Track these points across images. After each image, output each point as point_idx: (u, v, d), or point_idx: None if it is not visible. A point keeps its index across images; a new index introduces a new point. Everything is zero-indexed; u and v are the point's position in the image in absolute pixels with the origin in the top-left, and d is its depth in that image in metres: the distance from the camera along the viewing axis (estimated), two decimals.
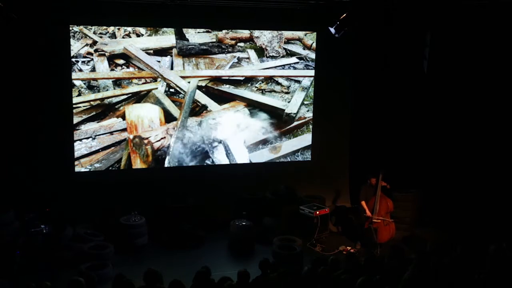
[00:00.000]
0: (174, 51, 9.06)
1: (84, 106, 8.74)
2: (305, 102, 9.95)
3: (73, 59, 8.54)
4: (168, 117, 9.18)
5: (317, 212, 8.72)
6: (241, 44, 9.41)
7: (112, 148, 8.96)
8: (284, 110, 9.85)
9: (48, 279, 5.46)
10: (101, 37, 8.65)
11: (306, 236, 8.70)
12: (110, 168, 8.96)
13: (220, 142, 9.58)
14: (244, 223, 8.60)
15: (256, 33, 9.44)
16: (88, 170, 8.86)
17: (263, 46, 9.54)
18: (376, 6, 8.13)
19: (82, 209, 8.54)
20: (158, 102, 9.09)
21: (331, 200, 10.06)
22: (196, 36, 9.17)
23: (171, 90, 9.14)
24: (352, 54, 9.94)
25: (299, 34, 9.72)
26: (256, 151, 9.81)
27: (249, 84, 9.59)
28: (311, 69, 9.86)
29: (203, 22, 9.03)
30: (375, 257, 6.07)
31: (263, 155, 9.86)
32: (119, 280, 5.26)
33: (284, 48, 9.68)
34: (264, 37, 9.52)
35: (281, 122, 9.88)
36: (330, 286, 5.15)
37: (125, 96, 8.93)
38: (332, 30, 7.67)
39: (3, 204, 7.84)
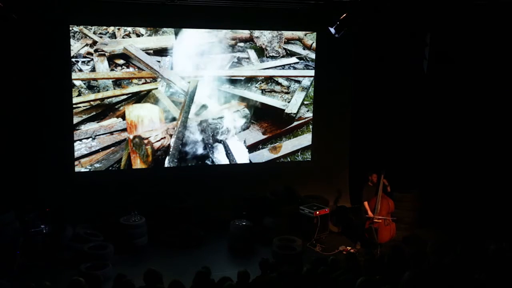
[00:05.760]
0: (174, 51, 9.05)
1: (84, 106, 8.74)
2: (305, 102, 9.95)
3: (73, 59, 8.55)
4: (168, 117, 9.18)
5: (317, 212, 8.73)
6: (241, 44, 9.41)
7: (112, 148, 8.96)
8: (284, 110, 9.85)
9: (48, 279, 5.45)
10: (101, 37, 8.65)
11: (306, 236, 8.71)
12: (110, 168, 8.96)
13: (220, 142, 9.58)
14: (244, 223, 8.59)
15: (256, 33, 9.45)
16: (88, 170, 8.86)
17: (263, 46, 9.54)
18: (376, 6, 8.12)
19: (82, 209, 8.55)
20: (158, 102, 9.09)
21: (331, 200, 10.05)
22: (196, 36, 9.16)
23: (171, 90, 9.14)
24: (352, 54, 9.94)
25: (299, 34, 9.72)
26: (256, 151, 9.81)
27: (249, 84, 9.59)
28: (311, 69, 9.86)
29: (203, 22, 9.03)
30: (375, 257, 6.06)
31: (263, 155, 9.86)
32: (119, 280, 5.25)
33: (284, 48, 9.68)
34: (264, 37, 9.52)
35: (281, 122, 9.88)
36: (330, 286, 5.14)
37: (125, 96, 8.93)
38: (332, 30, 7.66)
39: (3, 204, 7.83)
